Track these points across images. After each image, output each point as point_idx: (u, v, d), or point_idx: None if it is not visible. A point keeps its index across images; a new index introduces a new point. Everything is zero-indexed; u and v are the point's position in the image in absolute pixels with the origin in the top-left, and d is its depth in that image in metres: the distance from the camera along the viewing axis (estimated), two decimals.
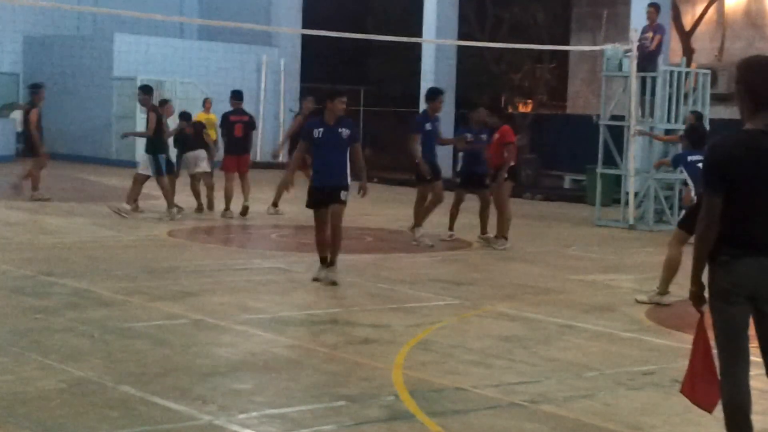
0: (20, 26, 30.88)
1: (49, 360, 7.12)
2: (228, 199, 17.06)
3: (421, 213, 14.42)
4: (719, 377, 5.12)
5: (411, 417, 6.26)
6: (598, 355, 8.21)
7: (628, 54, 17.73)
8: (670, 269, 10.34)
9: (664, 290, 10.46)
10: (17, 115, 30.31)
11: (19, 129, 18.30)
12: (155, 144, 16.47)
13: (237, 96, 17.89)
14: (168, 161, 16.67)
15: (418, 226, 14.45)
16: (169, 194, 16.39)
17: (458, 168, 15.78)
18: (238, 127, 17.37)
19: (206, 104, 21.56)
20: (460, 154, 15.46)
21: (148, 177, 16.51)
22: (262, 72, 31.45)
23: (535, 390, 7.00)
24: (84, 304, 9.19)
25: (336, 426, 6.01)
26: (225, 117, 17.56)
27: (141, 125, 27.93)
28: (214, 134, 20.33)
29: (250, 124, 17.64)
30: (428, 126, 14.11)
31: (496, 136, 14.18)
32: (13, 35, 30.90)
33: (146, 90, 16.97)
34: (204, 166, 17.62)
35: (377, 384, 6.94)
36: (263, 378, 7.05)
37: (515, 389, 6.99)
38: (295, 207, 17.22)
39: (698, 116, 15.92)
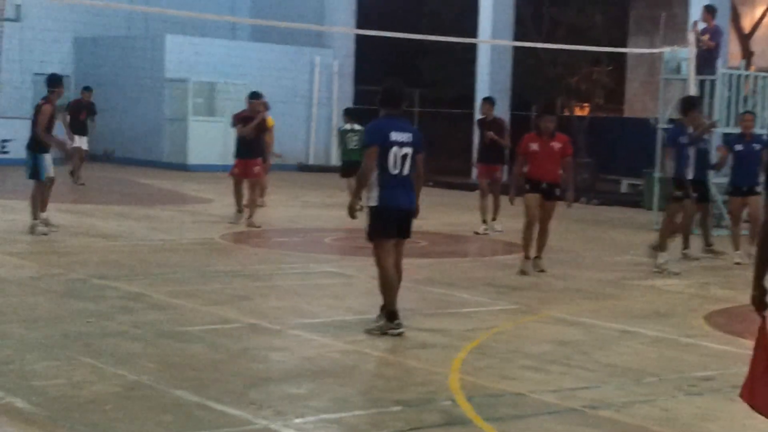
0: (70, 27, 30.91)
1: (102, 364, 7.10)
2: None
3: (667, 235, 13.15)
4: None
5: (468, 422, 6.17)
6: (656, 360, 8.09)
7: (691, 53, 17.39)
8: None
9: None
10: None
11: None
12: (40, 142, 13.91)
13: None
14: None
15: (662, 251, 12.97)
16: (39, 203, 13.95)
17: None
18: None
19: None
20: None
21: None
22: (315, 74, 31.41)
23: (594, 395, 6.89)
24: (137, 308, 9.18)
25: (392, 431, 5.93)
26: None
27: (193, 127, 28.25)
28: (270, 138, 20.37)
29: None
30: (683, 139, 13.07)
31: (557, 144, 12.34)
32: (63, 36, 30.94)
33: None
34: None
35: (434, 389, 6.85)
36: (319, 383, 6.98)
37: (573, 394, 6.88)
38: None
39: None
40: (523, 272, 12.11)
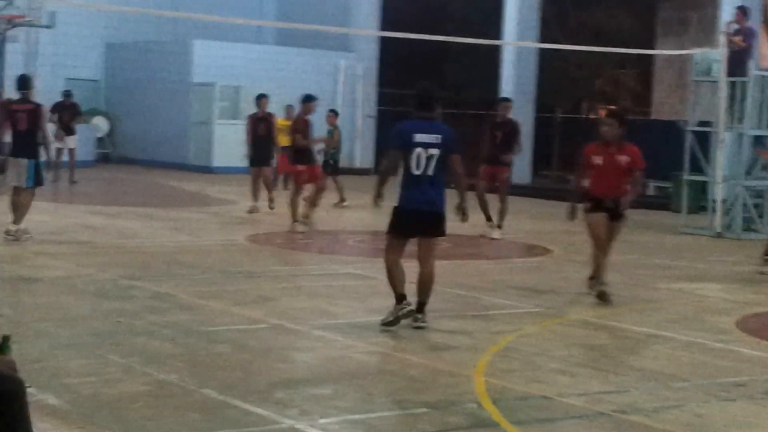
0: (101, 33, 31.31)
1: (131, 363, 7.12)
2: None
3: None
4: None
5: (494, 425, 6.12)
6: (687, 365, 8.00)
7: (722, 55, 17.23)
8: None
9: None
10: (98, 121, 30.91)
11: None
12: (37, 146, 13.25)
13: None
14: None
15: None
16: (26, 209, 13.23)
17: None
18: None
19: (288, 111, 21.75)
20: None
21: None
22: (339, 77, 31.49)
23: (623, 400, 6.82)
24: (164, 308, 9.20)
25: None
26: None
27: (219, 131, 28.37)
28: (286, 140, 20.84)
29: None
30: None
31: (624, 157, 10.42)
32: (95, 42, 31.35)
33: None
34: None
35: (459, 391, 6.81)
36: (343, 383, 6.96)
37: (602, 399, 6.81)
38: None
39: None
40: (601, 295, 10.46)
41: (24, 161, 13.07)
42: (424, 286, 8.80)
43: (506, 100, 17.09)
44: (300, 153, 15.87)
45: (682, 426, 6.28)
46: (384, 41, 31.41)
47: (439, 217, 8.73)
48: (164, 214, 17.52)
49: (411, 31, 20.77)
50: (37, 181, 13.21)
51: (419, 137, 8.58)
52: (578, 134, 30.25)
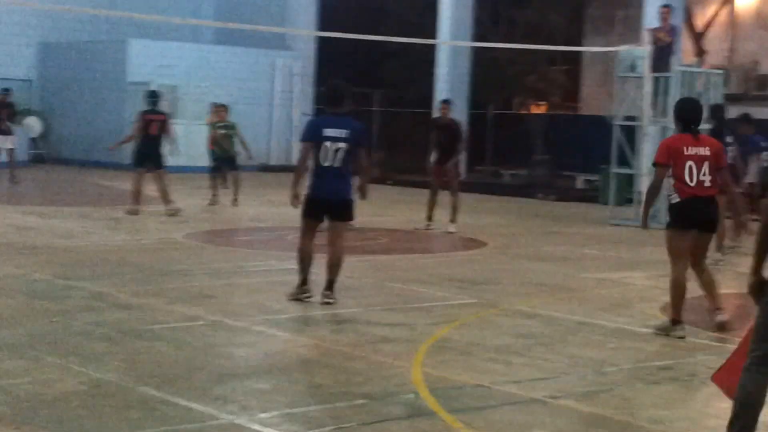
0: (34, 32, 31.05)
1: (68, 362, 7.11)
2: None
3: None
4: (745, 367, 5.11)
5: (432, 414, 6.26)
6: (615, 350, 8.23)
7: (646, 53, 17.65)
8: None
9: None
10: (32, 121, 30.58)
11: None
12: None
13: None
14: None
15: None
16: None
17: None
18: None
19: (219, 109, 21.62)
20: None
21: None
22: (277, 76, 31.51)
23: (555, 386, 7.01)
24: (101, 307, 9.19)
25: (357, 424, 6.00)
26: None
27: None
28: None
29: None
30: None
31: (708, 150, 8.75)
32: (28, 41, 31.06)
33: None
34: None
35: (397, 382, 6.94)
36: (283, 377, 7.06)
37: (535, 385, 7.00)
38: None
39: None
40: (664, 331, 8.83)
41: None
42: (334, 265, 9.60)
43: (445, 102, 17.36)
44: None
45: (611, 409, 6.48)
46: (322, 40, 31.52)
47: (346, 204, 9.53)
48: (100, 213, 17.44)
49: (349, 30, 20.89)
50: None
51: (328, 131, 9.33)
52: (510, 130, 30.69)
